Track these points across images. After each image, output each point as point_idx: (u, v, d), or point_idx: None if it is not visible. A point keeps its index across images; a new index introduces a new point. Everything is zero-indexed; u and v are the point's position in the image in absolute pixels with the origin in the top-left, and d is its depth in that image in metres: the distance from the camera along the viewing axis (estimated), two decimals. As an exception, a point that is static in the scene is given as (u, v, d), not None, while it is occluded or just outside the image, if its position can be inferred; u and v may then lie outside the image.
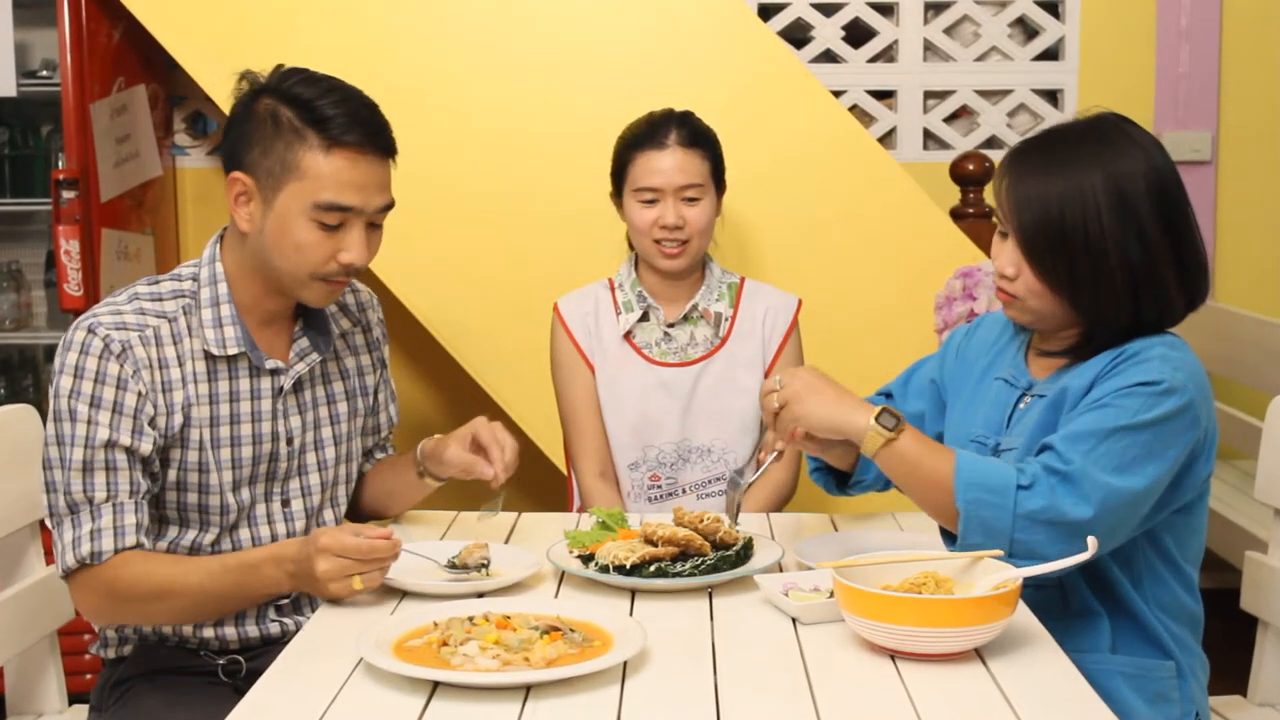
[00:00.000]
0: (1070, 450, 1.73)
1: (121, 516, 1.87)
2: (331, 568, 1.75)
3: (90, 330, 1.89)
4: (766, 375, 2.62)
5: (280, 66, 1.98)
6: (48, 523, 1.92)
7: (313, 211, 1.90)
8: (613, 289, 2.66)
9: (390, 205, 1.98)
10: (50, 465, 1.88)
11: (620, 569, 1.81)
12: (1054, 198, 1.79)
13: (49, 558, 2.18)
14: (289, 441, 2.03)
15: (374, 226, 1.97)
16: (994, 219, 1.89)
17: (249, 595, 1.90)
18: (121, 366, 1.88)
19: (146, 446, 1.89)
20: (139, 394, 1.89)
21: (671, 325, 2.63)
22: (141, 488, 1.89)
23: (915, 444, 1.79)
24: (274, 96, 1.93)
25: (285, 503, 2.05)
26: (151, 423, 1.90)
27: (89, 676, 2.64)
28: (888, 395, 2.17)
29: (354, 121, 1.90)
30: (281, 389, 2.01)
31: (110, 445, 1.87)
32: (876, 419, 1.79)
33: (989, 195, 3.35)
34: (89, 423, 1.86)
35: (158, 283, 1.99)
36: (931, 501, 1.79)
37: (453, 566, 1.88)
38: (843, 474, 2.08)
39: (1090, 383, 1.80)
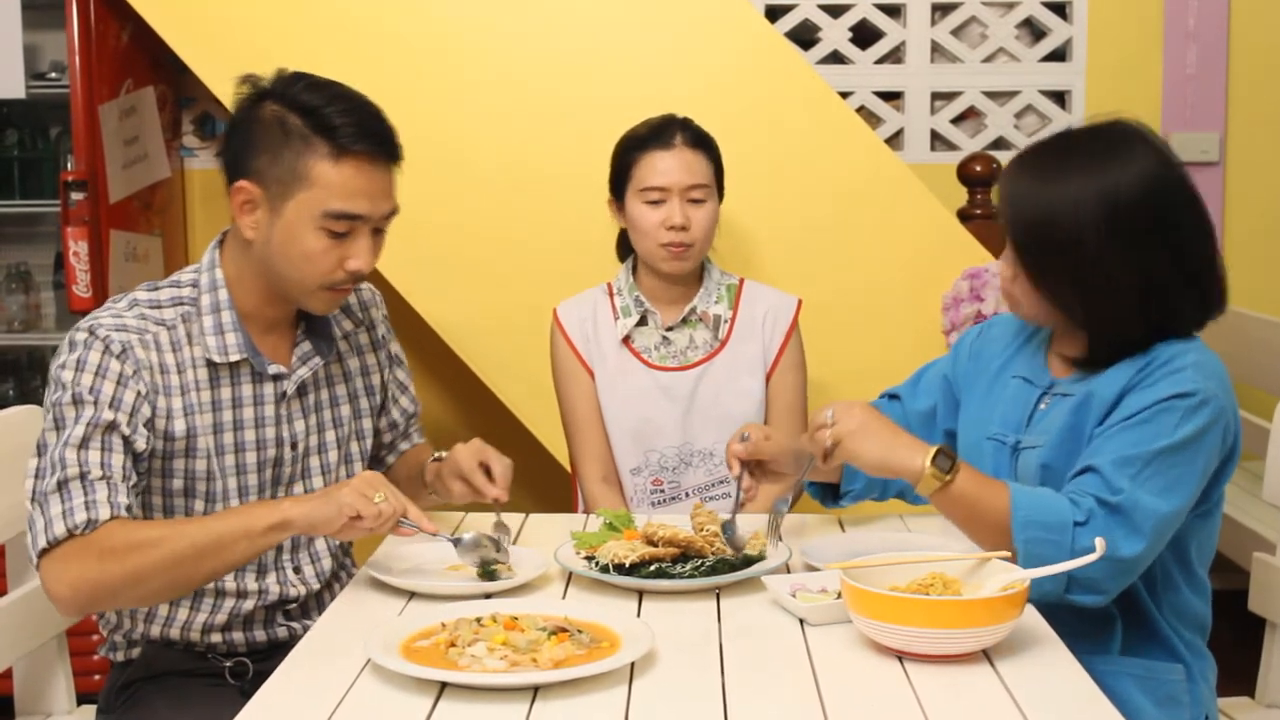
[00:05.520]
0: (1118, 477, 1.72)
1: (116, 494, 1.79)
2: (362, 482, 1.79)
3: (91, 332, 1.88)
4: (768, 378, 2.61)
5: (282, 70, 1.94)
6: (27, 506, 1.81)
7: (322, 220, 1.88)
8: (611, 294, 2.65)
9: (395, 211, 1.97)
10: (43, 451, 1.83)
11: (619, 568, 1.82)
12: (1044, 207, 1.78)
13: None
14: (293, 446, 2.03)
15: (378, 232, 1.96)
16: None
17: (244, 531, 1.77)
18: (123, 365, 1.86)
19: (141, 444, 1.86)
20: (138, 393, 1.87)
21: (670, 329, 2.62)
22: (134, 477, 1.85)
23: (971, 484, 1.77)
24: (279, 102, 1.90)
25: None
26: (148, 424, 1.88)
27: (97, 677, 2.63)
28: (894, 397, 2.17)
29: (362, 130, 1.89)
30: (285, 394, 2.01)
31: (111, 428, 1.82)
32: (932, 461, 1.76)
33: (996, 196, 3.34)
34: (94, 405, 1.82)
35: (157, 289, 1.97)
36: (989, 540, 1.77)
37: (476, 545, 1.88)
38: (834, 486, 2.09)
39: (1121, 390, 1.79)
